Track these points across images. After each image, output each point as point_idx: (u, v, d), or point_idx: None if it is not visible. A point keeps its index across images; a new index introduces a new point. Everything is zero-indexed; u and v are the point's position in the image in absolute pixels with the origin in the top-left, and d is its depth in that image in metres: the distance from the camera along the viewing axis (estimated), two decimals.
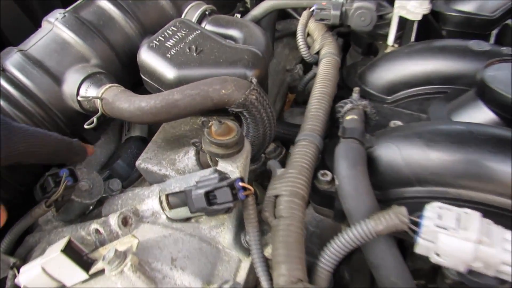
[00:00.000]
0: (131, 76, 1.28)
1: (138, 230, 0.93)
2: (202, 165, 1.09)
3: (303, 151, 0.91)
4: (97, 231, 0.91)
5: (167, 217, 0.96)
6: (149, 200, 0.97)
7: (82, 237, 0.99)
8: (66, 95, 1.12)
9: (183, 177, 0.96)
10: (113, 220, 0.91)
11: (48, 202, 0.90)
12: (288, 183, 0.84)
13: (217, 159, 0.88)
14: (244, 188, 0.77)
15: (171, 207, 0.94)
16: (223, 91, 0.92)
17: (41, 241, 1.07)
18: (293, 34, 1.74)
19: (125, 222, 0.92)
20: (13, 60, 1.07)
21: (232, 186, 0.75)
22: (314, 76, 1.29)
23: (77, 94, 1.10)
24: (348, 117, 0.95)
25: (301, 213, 0.80)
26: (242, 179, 0.77)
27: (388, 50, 1.32)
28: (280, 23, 1.83)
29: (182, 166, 1.11)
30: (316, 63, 1.32)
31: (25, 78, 1.06)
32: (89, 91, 1.09)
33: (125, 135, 1.34)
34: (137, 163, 1.15)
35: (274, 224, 0.80)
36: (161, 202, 0.95)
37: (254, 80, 0.94)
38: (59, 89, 1.06)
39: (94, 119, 1.04)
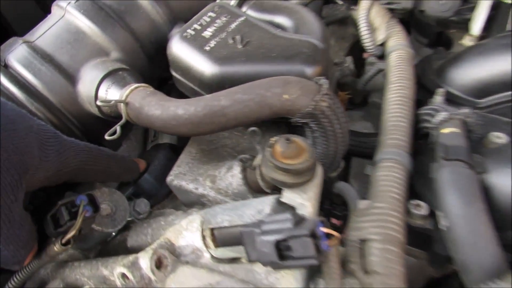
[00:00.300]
0: (158, 73, 1.07)
1: (176, 275, 0.73)
2: (250, 185, 0.88)
3: (391, 176, 0.69)
4: (123, 275, 0.71)
5: (211, 256, 0.75)
6: (188, 234, 0.76)
7: (104, 276, 0.80)
8: (82, 97, 0.91)
9: (233, 206, 0.75)
10: (145, 263, 0.70)
11: (65, 240, 0.70)
12: (379, 224, 0.63)
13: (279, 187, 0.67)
14: (327, 235, 0.55)
15: (217, 245, 0.74)
16: (285, 96, 0.71)
17: (55, 276, 0.87)
18: (339, 22, 1.50)
19: (159, 263, 0.72)
20: (17, 54, 0.87)
21: (314, 234, 0.54)
22: (378, 72, 1.06)
23: (96, 96, 0.89)
24: (445, 131, 0.73)
25: (401, 266, 0.59)
26: (323, 222, 0.56)
27: (467, 40, 1.08)
28: (322, 9, 1.59)
29: (224, 185, 0.90)
30: (381, 57, 1.09)
31: (31, 76, 0.86)
32: (110, 93, 0.88)
33: (151, 141, 1.14)
34: (168, 179, 0.94)
35: (366, 282, 0.59)
36: (203, 237, 0.74)
37: (324, 82, 0.72)
38: (73, 90, 0.86)
39: (118, 128, 0.83)
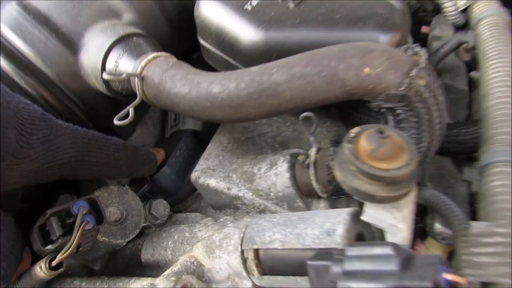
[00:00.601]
0: (181, 42, 0.86)
1: None
2: (299, 187, 0.67)
3: None
4: None
5: (254, 285, 0.56)
6: (222, 254, 0.57)
7: None
8: (86, 69, 0.72)
9: (287, 220, 0.55)
10: None
11: (55, 262, 0.51)
12: (509, 260, 0.42)
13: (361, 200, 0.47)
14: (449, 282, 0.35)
15: (263, 271, 0.54)
16: (366, 69, 0.50)
17: None
18: None
19: None
20: (4, 14, 0.68)
21: (436, 282, 0.34)
22: (459, 46, 0.84)
23: (103, 68, 0.69)
24: None
25: None
26: (444, 264, 0.36)
27: None
28: None
29: (265, 185, 0.70)
30: (463, 27, 0.87)
31: (21, 41, 0.68)
32: (122, 64, 0.68)
33: (171, 126, 0.94)
34: (193, 176, 0.75)
35: None
36: (244, 261, 0.55)
37: (422, 52, 0.51)
38: (74, 60, 0.68)
39: (130, 110, 0.64)
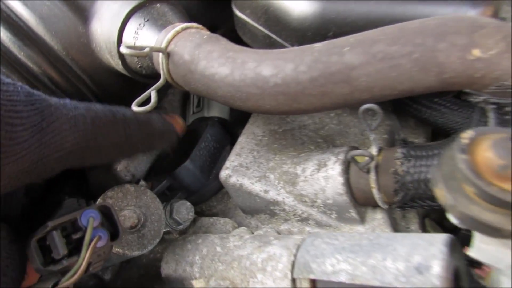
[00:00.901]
0: (211, 12, 0.73)
1: None
2: (354, 195, 0.55)
3: None
4: None
5: None
6: (267, 280, 0.45)
7: None
8: (99, 41, 0.59)
9: (355, 243, 0.43)
10: None
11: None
12: None
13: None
14: None
15: None
16: (475, 51, 0.37)
17: None
18: None
19: None
20: None
21: None
22: None
23: (119, 41, 0.57)
24: None
25: None
26: None
27: None
28: None
29: (311, 190, 0.58)
30: None
31: (22, 5, 0.53)
32: (143, 36, 0.56)
33: (193, 112, 0.81)
34: (223, 174, 0.63)
35: None
36: None
37: None
38: (85, 30, 0.56)
39: (152, 94, 0.51)
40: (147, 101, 0.53)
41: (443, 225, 0.68)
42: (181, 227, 0.63)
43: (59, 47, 0.58)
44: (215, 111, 0.79)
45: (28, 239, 0.44)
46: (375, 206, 0.59)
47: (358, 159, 0.58)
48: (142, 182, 0.64)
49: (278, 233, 0.59)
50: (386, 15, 0.51)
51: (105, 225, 0.43)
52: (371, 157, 0.51)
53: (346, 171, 0.56)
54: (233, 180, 0.63)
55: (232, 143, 0.80)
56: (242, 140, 0.67)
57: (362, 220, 0.59)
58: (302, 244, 0.46)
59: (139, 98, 0.52)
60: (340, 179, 0.56)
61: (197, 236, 0.59)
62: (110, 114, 0.52)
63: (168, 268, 0.57)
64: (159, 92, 0.55)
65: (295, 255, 0.45)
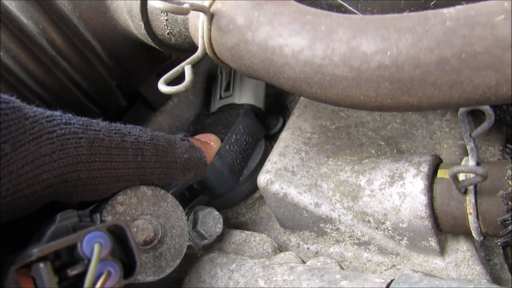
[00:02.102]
0: None
1: None
2: (437, 222, 0.42)
3: None
4: None
5: None
6: None
7: None
8: (119, 3, 0.45)
9: None
10: None
11: None
12: None
13: None
14: None
15: None
16: None
17: None
18: None
19: None
20: None
21: None
22: None
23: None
24: None
25: None
26: None
27: None
28: None
29: (379, 208, 0.45)
30: None
31: None
32: None
33: (220, 97, 0.68)
34: (262, 180, 0.50)
35: None
36: None
37: None
38: None
39: (187, 69, 0.38)
40: (179, 79, 0.40)
41: None
42: (206, 242, 0.49)
43: (70, 11, 0.44)
44: (248, 98, 0.65)
45: (4, 265, 0.30)
46: (461, 234, 0.46)
47: (446, 173, 0.45)
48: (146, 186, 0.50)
49: (341, 258, 0.46)
50: None
51: (116, 253, 0.30)
52: (483, 176, 0.37)
53: (430, 188, 0.43)
54: (275, 187, 0.49)
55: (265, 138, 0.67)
56: (286, 136, 0.54)
57: (441, 251, 0.46)
58: None
59: (167, 75, 0.39)
60: (422, 199, 0.43)
61: (228, 258, 0.45)
62: (117, 136, 0.38)
63: None
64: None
65: None
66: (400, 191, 0.44)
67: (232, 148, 0.59)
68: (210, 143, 0.54)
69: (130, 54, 0.51)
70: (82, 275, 0.28)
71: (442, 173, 0.44)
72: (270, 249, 0.49)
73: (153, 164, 0.40)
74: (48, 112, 0.33)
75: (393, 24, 0.29)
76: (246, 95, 0.65)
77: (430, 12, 0.29)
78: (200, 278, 0.44)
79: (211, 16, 0.38)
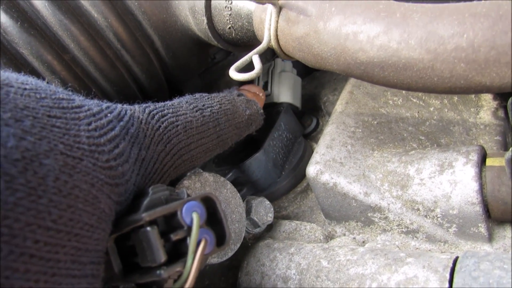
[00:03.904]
0: None
1: None
2: (488, 208, 0.44)
3: None
4: None
5: None
6: None
7: None
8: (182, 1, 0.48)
9: None
10: None
11: None
12: None
13: None
14: None
15: None
16: None
17: None
18: None
19: None
20: None
21: None
22: None
23: None
24: None
25: None
26: None
27: None
28: None
29: (429, 196, 0.47)
30: None
31: None
32: None
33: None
34: (312, 170, 0.52)
35: None
36: None
37: None
38: None
39: (255, 59, 0.40)
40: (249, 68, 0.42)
41: None
42: (258, 230, 0.51)
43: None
44: (287, 97, 0.67)
45: None
46: (510, 221, 0.48)
47: (495, 161, 0.47)
48: (208, 173, 0.52)
49: (398, 247, 0.47)
50: None
51: (207, 223, 0.32)
52: None
53: (480, 175, 0.45)
54: (325, 177, 0.51)
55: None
56: (331, 130, 0.56)
57: (490, 237, 0.47)
58: (461, 266, 0.34)
59: (237, 63, 0.41)
60: (474, 185, 0.44)
61: (285, 244, 0.47)
62: (198, 114, 0.41)
63: (249, 281, 0.45)
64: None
65: (450, 281, 0.34)
66: (450, 179, 0.46)
67: (275, 143, 0.61)
68: (259, 94, 0.57)
69: (185, 50, 0.53)
70: (181, 241, 0.30)
71: (490, 161, 0.46)
72: (321, 237, 0.51)
73: (227, 129, 0.44)
74: (142, 107, 0.36)
75: (468, 10, 0.32)
76: (285, 94, 0.68)
77: (501, 1, 0.32)
78: (259, 262, 0.45)
79: (279, 9, 0.40)
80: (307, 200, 0.61)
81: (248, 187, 0.60)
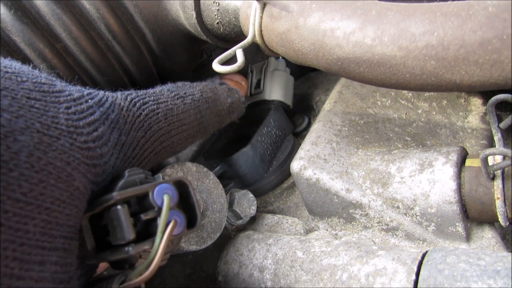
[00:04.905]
0: None
1: None
2: (466, 207, 0.45)
3: None
4: None
5: None
6: None
7: None
8: None
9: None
10: None
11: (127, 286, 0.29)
12: None
13: None
14: None
15: None
16: None
17: None
18: None
19: None
20: None
21: None
22: None
23: None
24: None
25: None
26: None
27: None
28: None
29: (408, 194, 0.48)
30: None
31: None
32: None
33: (251, 94, 0.71)
34: (295, 165, 0.53)
35: None
36: None
37: None
38: None
39: (239, 53, 0.41)
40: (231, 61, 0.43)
41: None
42: (240, 222, 0.52)
43: None
44: (278, 95, 0.68)
45: None
46: (487, 221, 0.48)
47: (474, 162, 0.47)
48: (191, 163, 0.53)
49: (372, 240, 0.48)
50: None
51: (179, 206, 0.33)
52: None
53: (458, 175, 0.46)
54: (308, 173, 0.52)
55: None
56: (318, 127, 0.57)
57: (467, 237, 0.48)
58: (428, 259, 0.35)
59: (221, 56, 0.42)
60: (452, 184, 0.45)
61: (264, 235, 0.48)
62: (179, 101, 0.42)
63: (227, 270, 0.46)
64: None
65: (417, 274, 0.35)
66: (429, 178, 0.47)
67: (263, 139, 0.62)
68: (241, 83, 0.58)
69: (176, 44, 0.55)
70: (151, 221, 0.31)
71: (470, 162, 0.47)
72: (302, 231, 0.52)
73: (209, 117, 0.45)
74: (125, 94, 0.38)
75: (439, 9, 0.33)
76: (276, 92, 0.69)
77: (472, 1, 0.33)
78: (238, 251, 0.46)
79: (263, 5, 0.42)
80: (293, 196, 0.62)
81: (235, 181, 0.61)
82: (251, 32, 0.43)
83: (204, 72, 0.72)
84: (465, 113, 0.65)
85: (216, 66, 0.41)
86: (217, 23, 0.48)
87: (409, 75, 0.34)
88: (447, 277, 0.33)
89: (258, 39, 0.43)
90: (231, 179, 0.61)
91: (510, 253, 0.34)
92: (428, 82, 0.34)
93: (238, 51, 0.42)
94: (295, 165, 0.53)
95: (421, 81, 0.34)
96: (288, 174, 0.64)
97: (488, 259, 0.33)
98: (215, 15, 0.47)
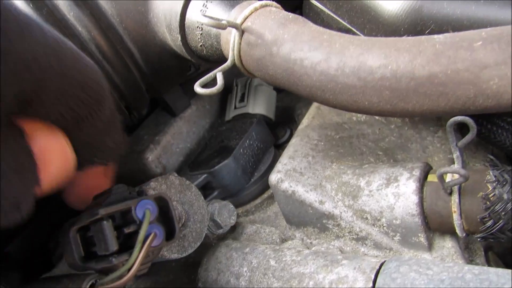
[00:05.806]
0: None
1: None
2: (427, 220, 0.49)
3: None
4: None
5: None
6: None
7: None
8: (158, 12, 0.53)
9: (455, 275, 0.36)
10: None
11: None
12: None
13: None
14: None
15: None
16: None
17: None
18: None
19: None
20: None
21: None
22: None
23: (183, 13, 0.50)
24: None
25: None
26: None
27: None
28: None
29: (376, 207, 0.52)
30: None
31: None
32: (212, 10, 0.49)
33: (235, 107, 0.75)
34: (273, 178, 0.56)
35: None
36: None
37: None
38: None
39: (219, 76, 0.45)
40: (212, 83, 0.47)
41: (505, 260, 0.61)
42: (221, 231, 0.55)
43: (113, 12, 0.51)
44: (261, 109, 0.72)
45: (63, 226, 0.37)
46: (447, 233, 0.52)
47: (435, 177, 0.51)
48: (174, 176, 0.56)
49: (341, 251, 0.52)
50: (496, 19, 0.44)
51: (159, 220, 0.36)
52: (465, 177, 0.44)
53: (420, 189, 0.50)
54: (285, 185, 0.56)
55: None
56: (295, 142, 0.60)
57: (429, 247, 0.52)
58: (384, 269, 0.39)
59: (202, 79, 0.46)
60: (414, 198, 0.49)
61: (242, 244, 0.51)
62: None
63: (207, 277, 0.50)
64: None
65: (374, 282, 0.38)
66: (394, 192, 0.51)
67: (245, 151, 0.66)
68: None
69: (163, 62, 0.58)
70: (133, 234, 0.34)
71: (431, 177, 0.51)
72: (278, 240, 0.55)
73: None
74: None
75: (394, 45, 0.37)
76: (259, 106, 0.72)
77: (423, 37, 0.37)
78: (217, 259, 0.50)
79: (242, 32, 0.45)
80: (273, 206, 0.66)
81: (219, 192, 0.65)
82: (231, 57, 0.46)
83: (192, 85, 0.76)
84: (436, 128, 0.69)
85: (198, 88, 0.45)
86: (201, 45, 0.52)
87: (368, 103, 0.38)
88: (399, 285, 0.36)
89: (237, 63, 0.47)
90: (214, 189, 0.65)
91: (456, 263, 0.38)
92: (385, 109, 0.38)
93: (218, 74, 0.46)
94: (273, 177, 0.57)
95: (378, 108, 0.38)
96: (268, 185, 0.68)
97: (435, 269, 0.37)
98: (199, 38, 0.51)
